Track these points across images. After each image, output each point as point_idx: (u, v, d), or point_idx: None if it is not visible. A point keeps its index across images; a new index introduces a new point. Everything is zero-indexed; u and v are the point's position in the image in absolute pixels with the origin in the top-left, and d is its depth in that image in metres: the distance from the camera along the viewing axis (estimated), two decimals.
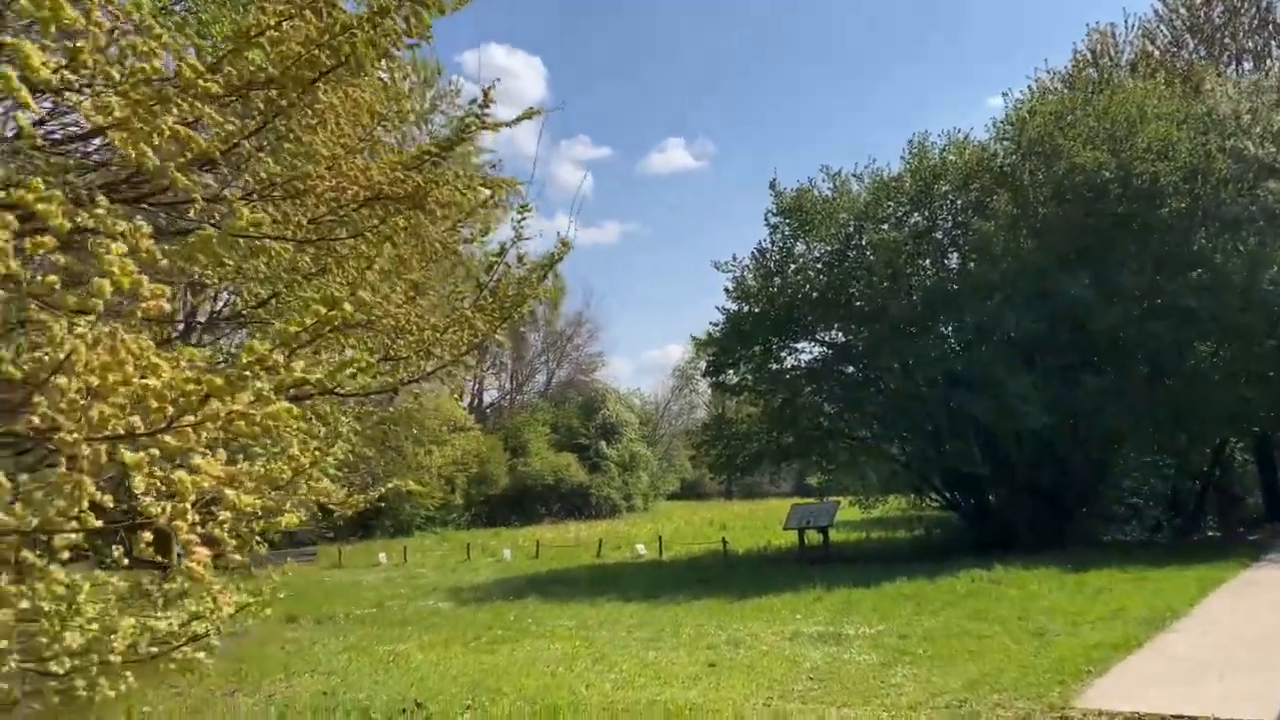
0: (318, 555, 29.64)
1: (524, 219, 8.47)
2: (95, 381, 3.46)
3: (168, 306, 3.49)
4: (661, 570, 22.92)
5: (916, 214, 24.41)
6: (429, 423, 40.04)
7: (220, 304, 14.25)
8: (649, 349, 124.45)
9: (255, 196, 7.00)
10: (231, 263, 9.65)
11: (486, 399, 66.09)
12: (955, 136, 24.51)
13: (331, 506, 10.35)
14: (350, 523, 28.28)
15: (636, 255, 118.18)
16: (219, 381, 3.44)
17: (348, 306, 3.36)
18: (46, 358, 3.65)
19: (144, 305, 3.51)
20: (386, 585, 22.27)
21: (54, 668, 4.53)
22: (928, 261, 24.62)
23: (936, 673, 9.73)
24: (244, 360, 3.44)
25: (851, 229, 24.14)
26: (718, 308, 26.46)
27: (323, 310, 3.36)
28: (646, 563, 25.38)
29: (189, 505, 3.82)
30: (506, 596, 18.51)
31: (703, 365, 34.39)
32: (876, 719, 8.15)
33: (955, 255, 24.87)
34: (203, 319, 13.05)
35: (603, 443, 55.06)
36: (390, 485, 8.30)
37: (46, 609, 3.71)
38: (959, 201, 24.14)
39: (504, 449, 50.60)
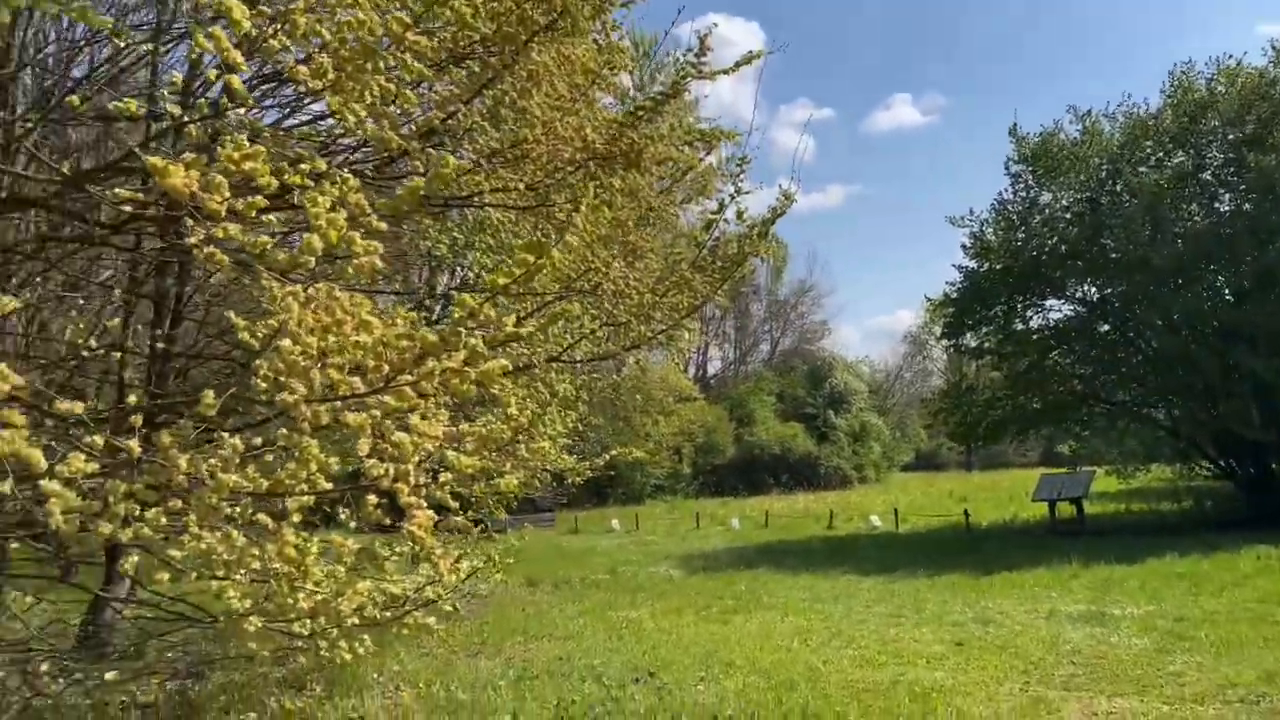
0: (556, 521, 30.72)
1: (743, 171, 8.08)
2: (314, 343, 3.39)
3: (379, 264, 3.38)
4: (898, 543, 21.99)
5: (1180, 153, 21.97)
6: (655, 393, 40.61)
7: (455, 279, 14.70)
8: (877, 315, 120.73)
9: (477, 167, 7.00)
10: (461, 236, 9.88)
11: (710, 369, 66.38)
12: (1225, 63, 21.76)
13: (562, 472, 10.49)
14: (586, 490, 29.03)
15: (862, 218, 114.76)
16: (432, 338, 3.28)
17: (556, 254, 3.09)
18: (275, 322, 3.63)
19: (357, 262, 3.40)
20: (619, 551, 22.67)
21: (297, 628, 4.64)
22: (1194, 205, 22.10)
23: (1224, 662, 8.58)
24: (456, 315, 3.26)
25: (1105, 174, 22.04)
26: (954, 266, 25.02)
27: (530, 258, 3.13)
28: (881, 535, 24.48)
29: (411, 467, 3.73)
30: (737, 566, 18.31)
31: (938, 329, 32.75)
32: (1157, 713, 7.23)
33: (1228, 196, 22.15)
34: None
35: (830, 412, 53.88)
36: (615, 452, 8.17)
37: (278, 571, 3.73)
38: (1231, 136, 21.43)
39: (729, 419, 50.56)
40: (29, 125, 5.64)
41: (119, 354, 10.37)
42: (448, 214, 9.91)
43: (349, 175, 3.31)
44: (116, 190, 3.72)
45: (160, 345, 10.64)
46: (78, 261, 10.21)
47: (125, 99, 4.01)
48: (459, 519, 4.26)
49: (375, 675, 8.52)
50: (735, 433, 49.90)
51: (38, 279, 9.73)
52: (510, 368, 3.75)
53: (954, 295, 25.23)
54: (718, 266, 8.25)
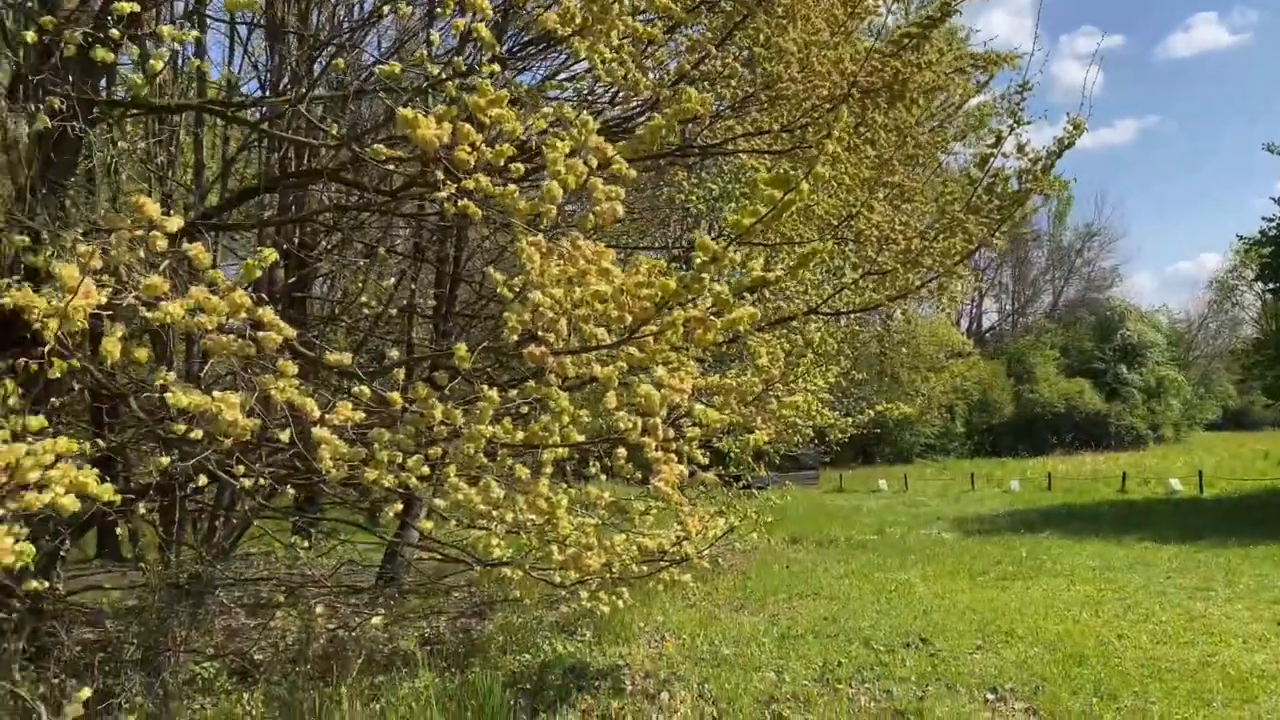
0: (819, 479, 30.31)
1: (1023, 99, 7.34)
2: (560, 294, 3.32)
3: (621, 210, 3.25)
4: (1203, 509, 19.79)
5: None
6: (924, 348, 38.93)
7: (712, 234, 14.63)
8: (1176, 260, 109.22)
9: (730, 112, 6.78)
10: (715, 187, 9.72)
11: (985, 323, 62.78)
12: None
13: (825, 429, 10.16)
14: (850, 448, 28.40)
15: (1157, 153, 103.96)
16: (672, 284, 3.12)
17: (805, 187, 2.82)
18: (524, 276, 3.61)
19: (598, 209, 3.29)
20: (887, 511, 21.96)
21: (558, 578, 4.70)
22: None
23: None
24: (697, 261, 3.08)
25: None
26: (1274, 199, 21.95)
27: (775, 194, 2.88)
28: (1183, 499, 22.14)
29: (658, 421, 3.61)
30: (1017, 530, 17.18)
31: (1250, 272, 28.98)
32: None
33: None
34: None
35: (1122, 367, 49.41)
36: (881, 408, 7.75)
37: (531, 522, 3.75)
38: None
39: (1007, 375, 47.65)
40: (310, 95, 6.02)
41: (406, 315, 11.15)
42: (701, 165, 9.77)
43: (587, 118, 3.20)
44: (376, 146, 3.83)
45: (441, 306, 11.34)
46: (370, 231, 10.99)
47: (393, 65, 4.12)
48: (709, 475, 4.13)
49: (641, 625, 8.67)
50: (1013, 390, 46.97)
51: (335, 249, 10.61)
52: (760, 317, 3.53)
53: (1272, 233, 22.16)
54: (994, 207, 7.55)
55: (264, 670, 7.12)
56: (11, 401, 2.82)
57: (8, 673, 4.77)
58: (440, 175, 3.49)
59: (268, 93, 10.13)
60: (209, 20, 10.39)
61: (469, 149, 3.35)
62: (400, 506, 11.03)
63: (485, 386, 3.78)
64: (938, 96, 7.54)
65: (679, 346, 3.34)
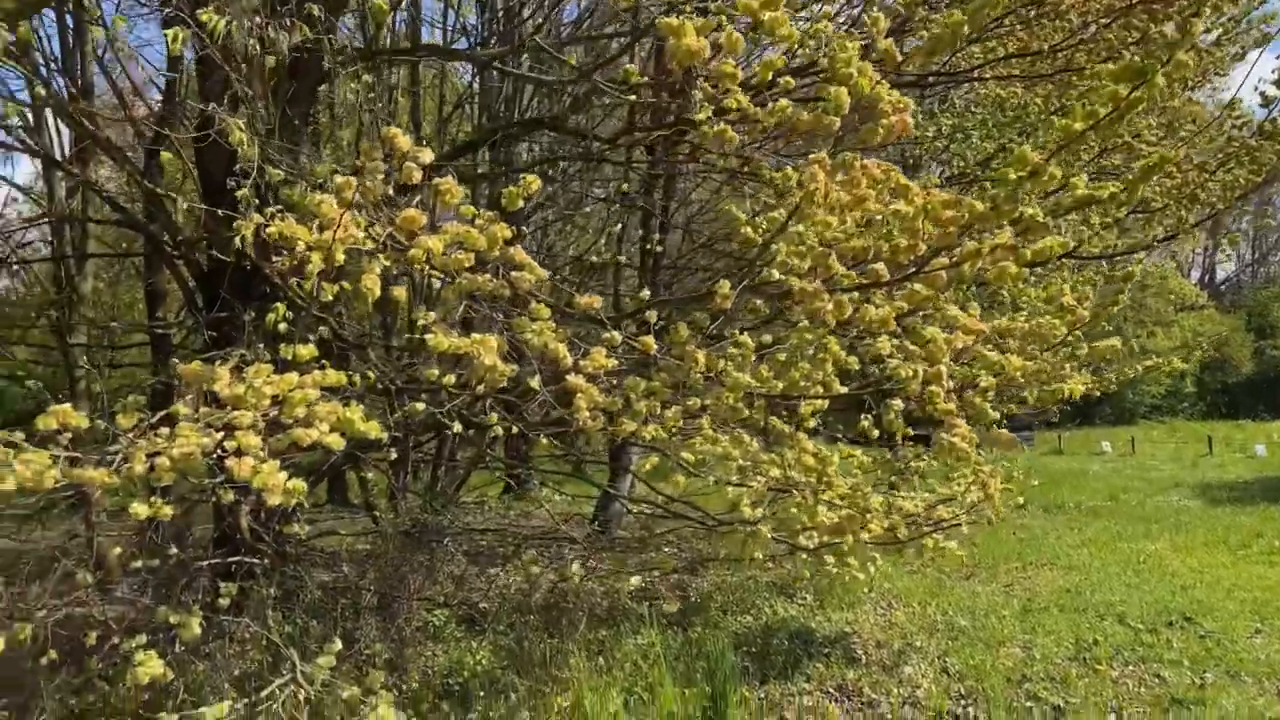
0: (1035, 440, 28.54)
1: None
2: (834, 222, 2.92)
3: (911, 122, 2.81)
4: None
5: None
6: (1150, 301, 35.91)
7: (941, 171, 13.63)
8: None
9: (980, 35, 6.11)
10: (949, 122, 8.97)
11: (1219, 274, 57.31)
12: None
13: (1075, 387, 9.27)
14: (1070, 408, 26.59)
15: None
16: (980, 207, 2.65)
17: (1159, 80, 2.29)
18: (783, 209, 3.24)
19: (886, 121, 2.86)
20: (1115, 476, 20.32)
21: (803, 541, 4.34)
22: None
23: None
24: (1010, 176, 2.59)
25: None
26: None
27: (1120, 91, 2.35)
28: None
29: (942, 369, 3.17)
30: (1274, 499, 15.45)
31: None
32: None
33: None
34: None
35: None
36: (1148, 363, 6.91)
37: (799, 480, 3.39)
38: None
39: (1246, 329, 43.30)
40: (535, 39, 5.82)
41: (613, 266, 11.02)
42: (924, 97, 9.03)
43: (879, 14, 2.76)
44: (628, 67, 3.52)
45: (647, 259, 11.15)
46: (574, 183, 10.88)
47: None
48: (1003, 432, 3.63)
49: (866, 590, 8.22)
50: (1254, 346, 42.64)
51: (542, 204, 10.57)
52: (1071, 246, 3.00)
53: None
54: None
55: (490, 619, 7.17)
56: (281, 328, 2.72)
57: (261, 616, 4.89)
58: (698, 96, 3.15)
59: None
60: None
61: (732, 64, 2.99)
62: (610, 457, 10.98)
63: (737, 332, 3.45)
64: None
65: (978, 281, 2.88)
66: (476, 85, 10.86)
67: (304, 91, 4.52)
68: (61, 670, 4.94)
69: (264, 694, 3.21)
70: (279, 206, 2.72)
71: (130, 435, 2.53)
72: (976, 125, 7.32)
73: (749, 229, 3.60)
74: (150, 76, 10.72)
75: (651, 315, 3.15)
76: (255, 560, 5.33)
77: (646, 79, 3.82)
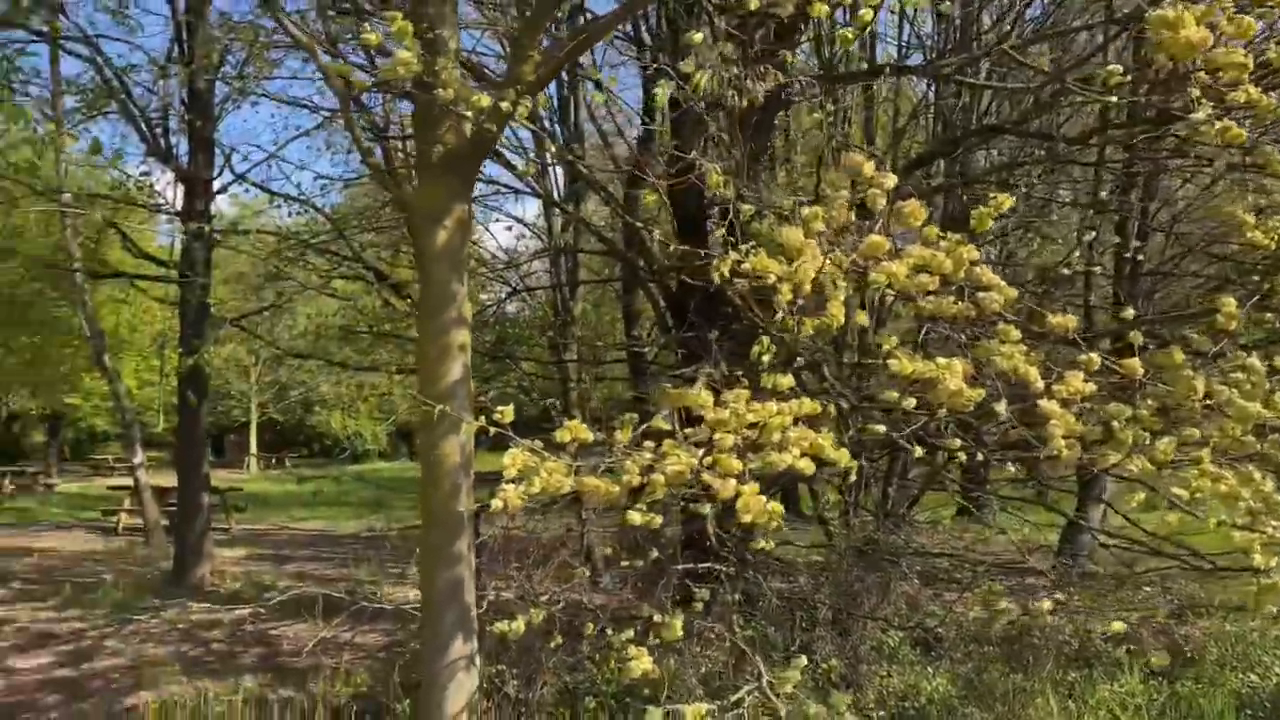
0: None
1: None
2: None
3: None
4: None
5: None
6: None
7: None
8: None
9: None
10: None
11: None
12: None
13: None
14: None
15: None
16: None
17: None
18: None
19: None
20: None
21: None
22: None
23: None
24: None
25: None
26: None
27: None
28: None
29: None
30: None
31: None
32: None
33: None
34: None
35: None
36: None
37: None
38: None
39: None
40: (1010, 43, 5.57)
41: (1084, 275, 10.17)
42: None
43: None
44: (1111, 67, 3.24)
45: (1123, 266, 10.14)
46: (1036, 187, 10.25)
47: None
48: None
49: None
50: None
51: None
52: None
53: None
54: None
55: (947, 646, 6.94)
56: (766, 359, 2.92)
57: (727, 619, 5.20)
58: (1195, 93, 2.83)
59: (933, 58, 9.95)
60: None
61: (1242, 52, 2.64)
62: (1079, 484, 10.13)
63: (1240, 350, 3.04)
64: None
65: None
66: (932, 95, 10.65)
67: (766, 124, 4.77)
68: (558, 650, 5.66)
69: (732, 699, 3.41)
70: (750, 243, 2.90)
71: (622, 448, 2.85)
72: None
73: (1258, 232, 3.17)
74: (628, 116, 11.94)
75: (1137, 337, 2.86)
76: (721, 566, 5.68)
77: (1127, 76, 3.50)
